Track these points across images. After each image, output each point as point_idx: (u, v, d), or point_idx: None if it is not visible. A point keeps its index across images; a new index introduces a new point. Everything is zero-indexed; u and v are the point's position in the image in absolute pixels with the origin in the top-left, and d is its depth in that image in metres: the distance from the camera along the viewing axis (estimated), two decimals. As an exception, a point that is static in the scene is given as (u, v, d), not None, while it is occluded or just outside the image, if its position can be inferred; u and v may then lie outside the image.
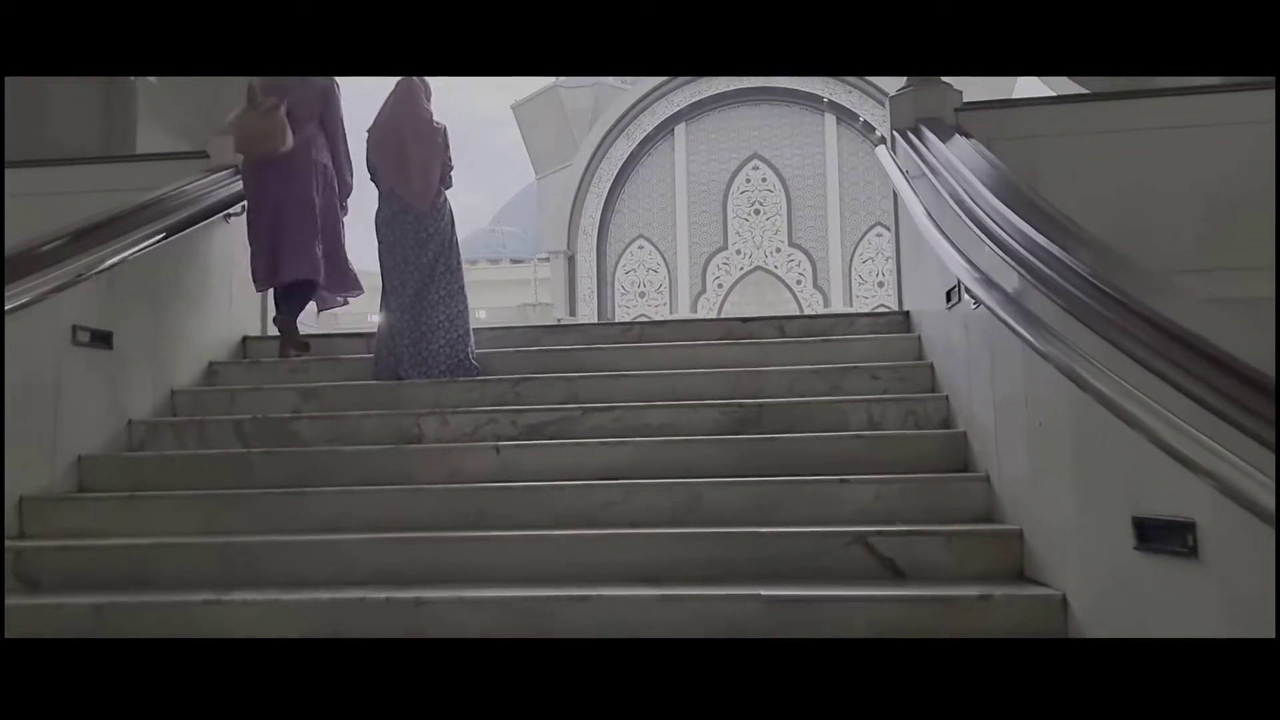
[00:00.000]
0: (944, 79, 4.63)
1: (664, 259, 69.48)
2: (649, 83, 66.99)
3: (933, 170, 3.77)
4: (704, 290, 68.46)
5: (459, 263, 4.47)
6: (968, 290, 2.94)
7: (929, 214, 3.60)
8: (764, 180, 68.57)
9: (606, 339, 4.69)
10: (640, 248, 70.92)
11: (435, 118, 4.47)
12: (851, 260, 66.69)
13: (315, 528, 3.19)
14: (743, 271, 68.48)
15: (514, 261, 68.18)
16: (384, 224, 4.40)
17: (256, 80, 4.53)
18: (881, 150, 4.64)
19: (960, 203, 3.25)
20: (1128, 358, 2.01)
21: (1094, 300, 2.21)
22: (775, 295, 67.36)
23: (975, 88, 4.75)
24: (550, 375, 4.15)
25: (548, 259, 66.48)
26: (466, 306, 4.43)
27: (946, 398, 3.66)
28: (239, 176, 4.69)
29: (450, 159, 4.47)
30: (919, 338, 4.24)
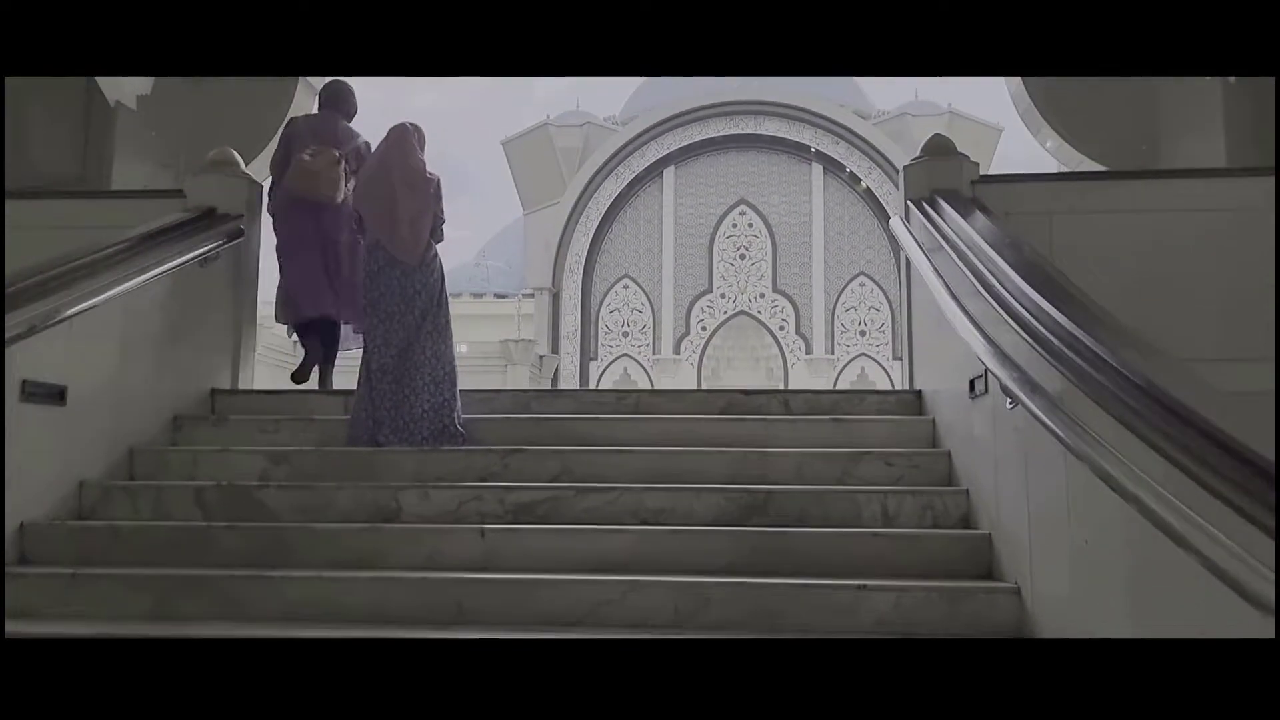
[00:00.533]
0: (960, 152, 4.44)
1: (649, 299, 69.60)
2: (639, 124, 67.53)
3: (953, 247, 3.55)
4: (687, 332, 68.50)
5: (447, 321, 4.21)
6: (1004, 389, 2.70)
7: (951, 293, 3.37)
8: (750, 226, 69.05)
9: (601, 407, 4.42)
10: (625, 287, 71.07)
11: (428, 168, 4.22)
12: (834, 308, 67.07)
13: (276, 615, 2.88)
14: (726, 315, 68.62)
15: (498, 296, 68.10)
16: (370, 277, 4.13)
17: (304, 124, 4.89)
18: (896, 223, 4.43)
19: (989, 287, 3.03)
20: (1190, 479, 1.77)
21: (1150, 411, 1.98)
22: (758, 340, 67.56)
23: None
24: (541, 447, 3.87)
25: (532, 295, 66.28)
26: (454, 368, 4.16)
27: (967, 492, 3.41)
28: (269, 210, 4.85)
29: (442, 210, 4.23)
30: (933, 422, 4.00)
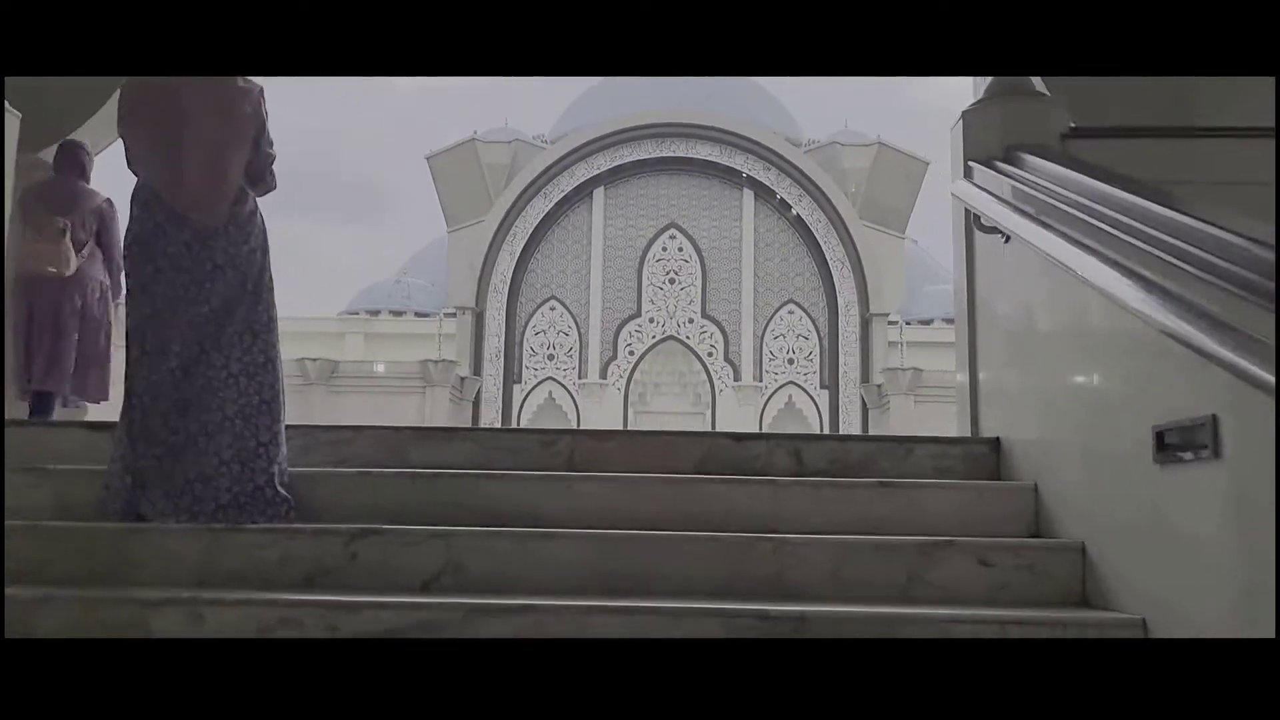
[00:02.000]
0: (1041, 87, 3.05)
1: (575, 322, 68.33)
2: (569, 143, 66.75)
3: (1104, 221, 2.13)
4: (615, 357, 67.55)
5: (271, 319, 2.66)
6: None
7: (1122, 271, 1.94)
8: (680, 250, 68.45)
9: (517, 458, 2.89)
10: (552, 309, 69.62)
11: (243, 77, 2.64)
12: (763, 335, 66.84)
13: None
14: (655, 340, 67.78)
15: (419, 315, 66.42)
16: (139, 246, 2.52)
17: (34, 195, 4.75)
18: (961, 184, 2.99)
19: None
20: None
21: None
22: (686, 366, 66.99)
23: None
24: (416, 526, 2.31)
25: (454, 314, 64.49)
26: (278, 393, 2.61)
27: (1144, 623, 1.94)
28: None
29: (269, 142, 2.66)
30: (1035, 490, 2.54)
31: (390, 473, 2.78)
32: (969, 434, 3.10)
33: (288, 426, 2.79)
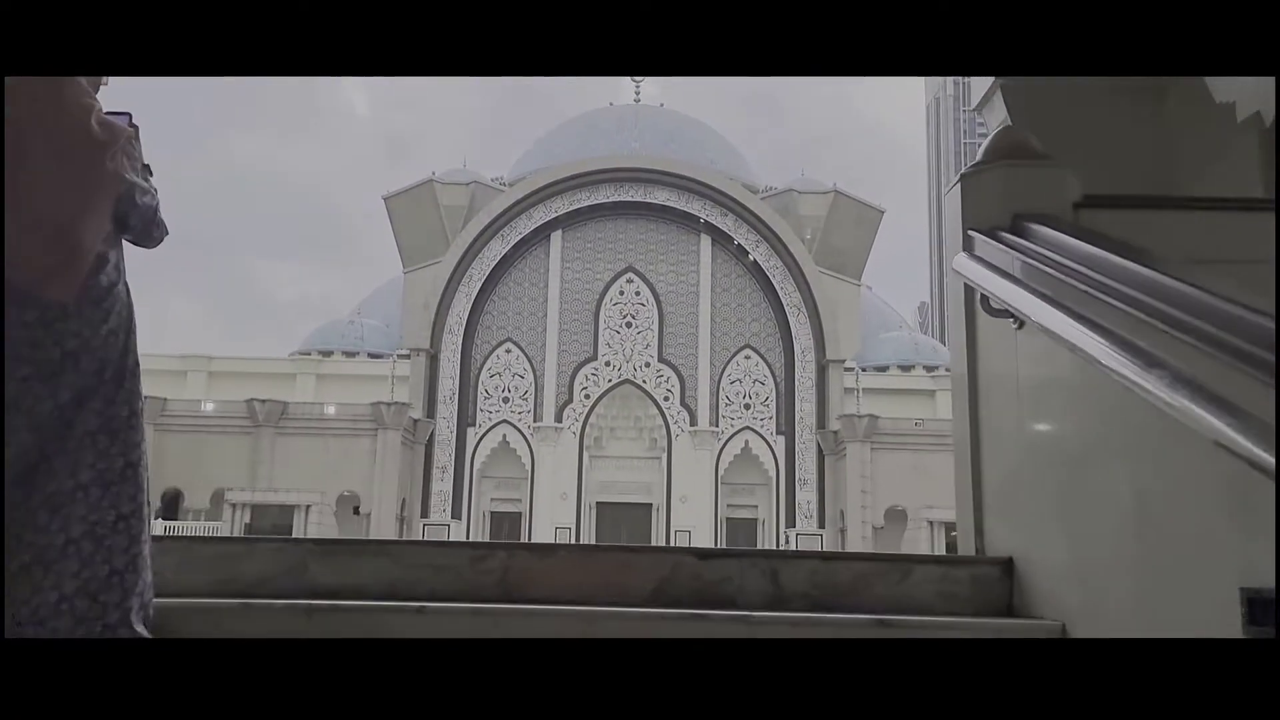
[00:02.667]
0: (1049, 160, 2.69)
1: (531, 365, 67.54)
2: (528, 185, 66.50)
3: (1148, 312, 1.72)
4: (570, 400, 66.79)
5: (134, 414, 2.15)
6: None
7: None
8: (638, 294, 68.15)
9: (440, 578, 2.39)
10: (507, 351, 68.77)
11: (99, 110, 2.16)
12: (720, 380, 66.48)
13: None
14: (611, 384, 67.25)
15: (372, 356, 65.23)
16: None
17: None
18: (964, 259, 2.59)
19: None
20: None
21: None
22: (642, 410, 66.33)
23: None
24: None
25: (409, 356, 63.26)
26: (140, 508, 2.09)
27: None
28: None
29: (147, 190, 2.18)
30: (1063, 631, 2.09)
31: (281, 605, 2.27)
32: (972, 548, 2.66)
33: (158, 539, 2.28)
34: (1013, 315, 2.46)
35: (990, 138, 2.96)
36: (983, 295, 2.57)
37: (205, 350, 58.79)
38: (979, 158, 2.92)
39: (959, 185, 2.89)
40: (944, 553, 45.35)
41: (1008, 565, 2.51)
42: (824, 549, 52.35)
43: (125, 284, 2.29)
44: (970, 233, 2.77)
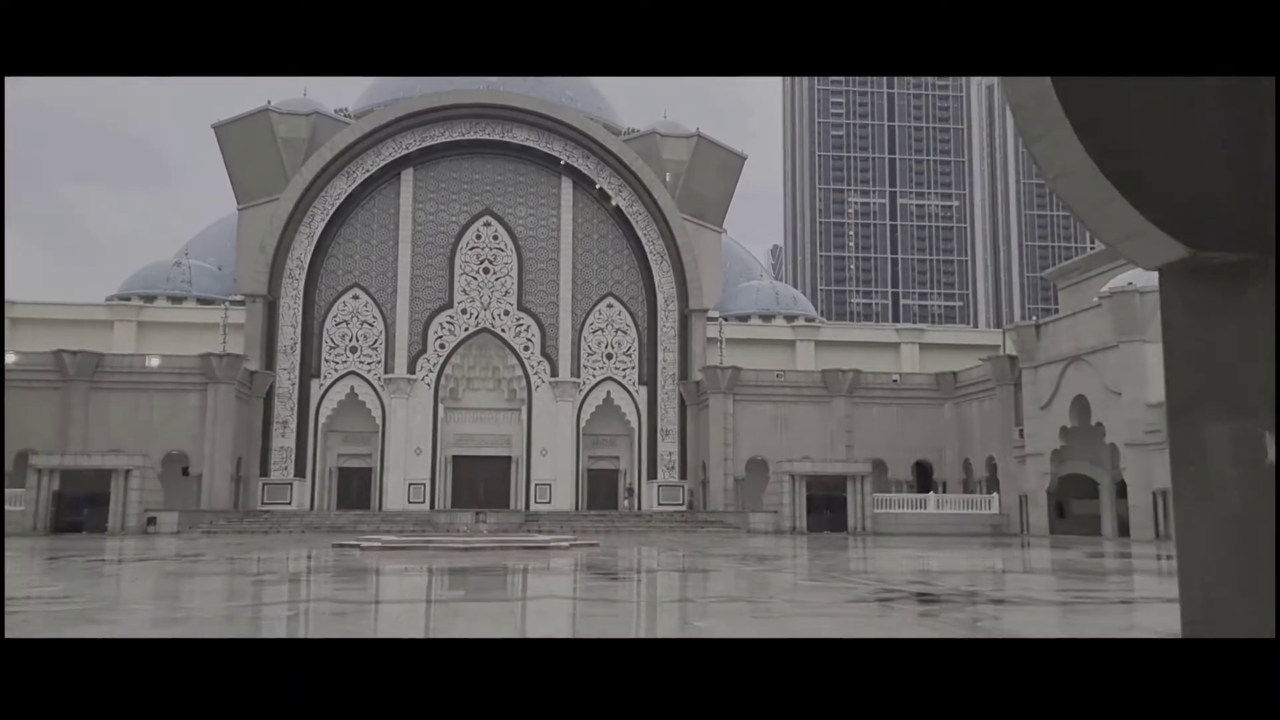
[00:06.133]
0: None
1: (381, 312, 63.86)
2: (376, 119, 62.09)
3: None
4: (424, 350, 63.57)
5: None
6: None
7: None
8: (495, 238, 65.07)
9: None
10: (355, 297, 64.68)
11: None
12: (582, 330, 64.59)
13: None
14: (468, 332, 64.35)
15: (202, 302, 60.04)
16: None
17: None
18: None
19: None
20: None
21: None
22: (501, 360, 63.81)
23: None
24: None
25: (243, 302, 58.53)
26: None
27: None
28: None
29: None
30: None
31: None
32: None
33: None
34: None
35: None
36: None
37: (7, 295, 52.58)
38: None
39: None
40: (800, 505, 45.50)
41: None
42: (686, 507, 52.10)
43: None
44: None
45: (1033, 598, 13.56)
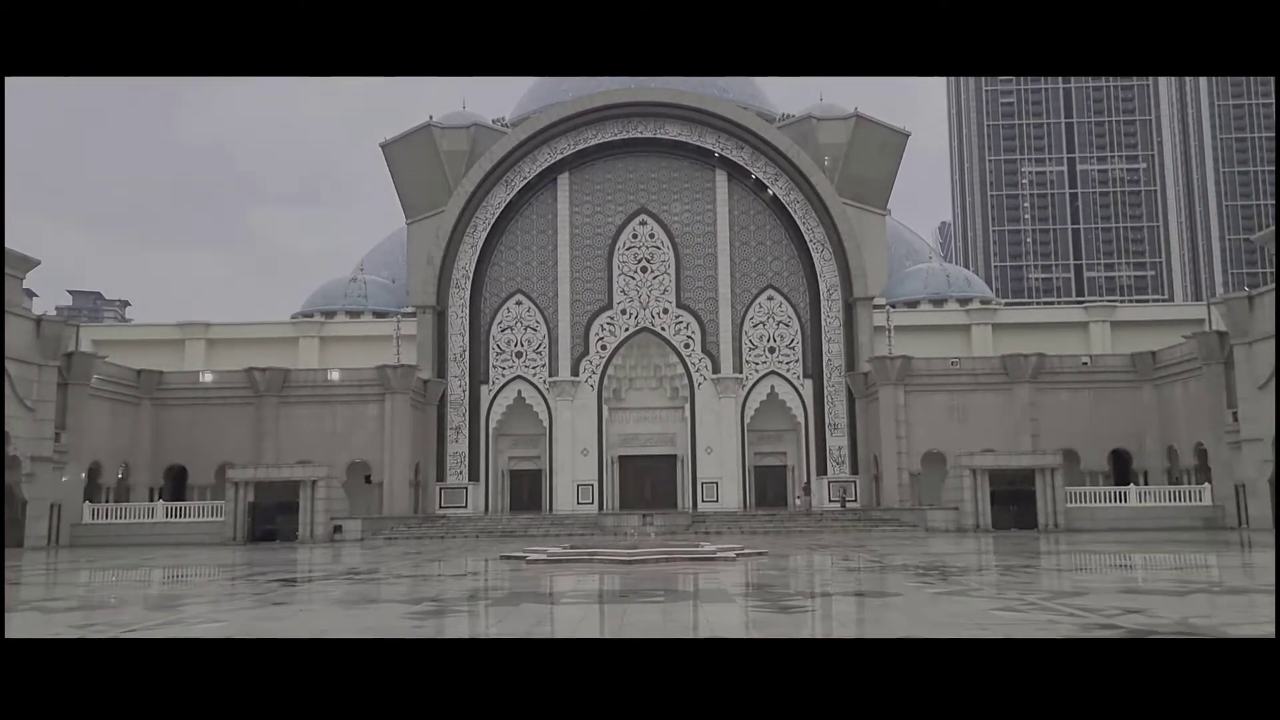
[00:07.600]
0: None
1: (544, 316, 64.13)
2: (531, 126, 62.42)
3: None
4: (586, 352, 63.46)
5: None
6: None
7: None
8: (652, 236, 64.11)
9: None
10: (518, 303, 65.30)
11: None
12: (742, 324, 62.66)
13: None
14: (628, 332, 63.73)
15: (377, 315, 62.42)
16: None
17: None
18: None
19: None
20: None
21: None
22: (661, 359, 62.79)
23: None
24: None
25: (414, 314, 60.08)
26: None
27: None
28: None
29: None
30: None
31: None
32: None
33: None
34: None
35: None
36: None
37: (203, 317, 56.65)
38: None
39: None
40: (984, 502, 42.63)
41: None
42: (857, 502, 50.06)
43: None
44: None
45: None
